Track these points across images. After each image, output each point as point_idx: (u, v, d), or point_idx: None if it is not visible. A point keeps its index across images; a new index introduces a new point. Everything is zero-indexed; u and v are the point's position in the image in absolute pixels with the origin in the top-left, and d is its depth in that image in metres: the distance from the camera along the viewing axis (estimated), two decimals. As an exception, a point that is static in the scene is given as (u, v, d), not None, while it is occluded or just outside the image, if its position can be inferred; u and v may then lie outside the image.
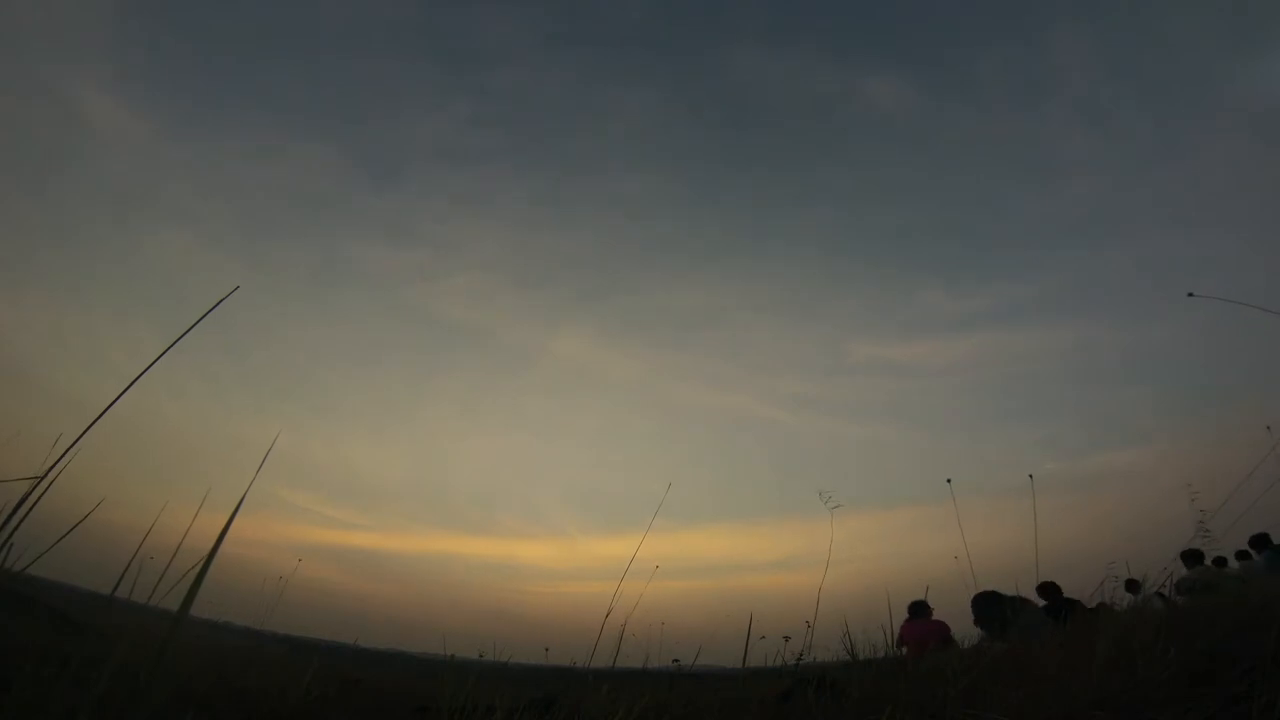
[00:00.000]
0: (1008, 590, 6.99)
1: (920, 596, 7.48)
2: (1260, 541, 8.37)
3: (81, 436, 1.76)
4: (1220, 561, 8.67)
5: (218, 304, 2.01)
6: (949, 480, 7.46)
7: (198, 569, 1.70)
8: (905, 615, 7.56)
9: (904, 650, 6.76)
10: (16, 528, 1.71)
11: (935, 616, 7.64)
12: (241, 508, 1.76)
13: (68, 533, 2.04)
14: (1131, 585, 6.56)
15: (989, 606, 6.82)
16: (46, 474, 1.76)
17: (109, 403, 1.77)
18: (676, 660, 4.50)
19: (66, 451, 1.76)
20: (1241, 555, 8.66)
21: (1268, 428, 8.16)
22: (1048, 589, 7.46)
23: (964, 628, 7.31)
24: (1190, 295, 8.02)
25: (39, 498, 1.73)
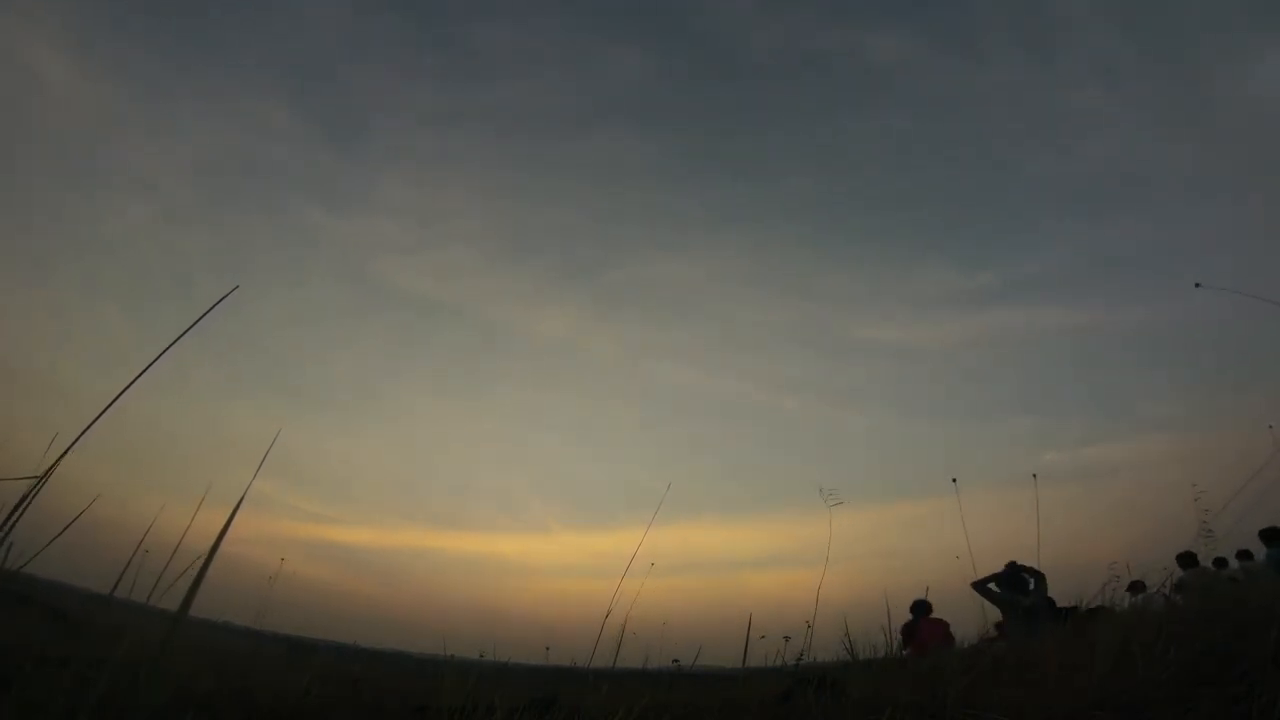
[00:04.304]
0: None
1: (921, 594, 7.52)
2: (1272, 535, 8.29)
3: (81, 435, 1.76)
4: (1220, 563, 8.65)
5: (218, 303, 2.01)
6: (954, 480, 7.47)
7: (197, 569, 1.70)
8: (909, 615, 7.59)
9: (907, 651, 6.78)
10: (12, 526, 1.70)
11: (938, 615, 7.68)
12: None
13: (62, 530, 2.04)
14: (1136, 586, 6.58)
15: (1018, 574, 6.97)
16: (46, 473, 1.76)
17: (105, 401, 1.76)
18: (676, 660, 4.50)
19: (66, 451, 1.76)
20: (1243, 555, 8.65)
21: (1270, 427, 8.15)
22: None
23: (963, 627, 7.34)
24: (1197, 286, 7.98)
25: (36, 496, 1.72)
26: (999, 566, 7.46)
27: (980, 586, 7.26)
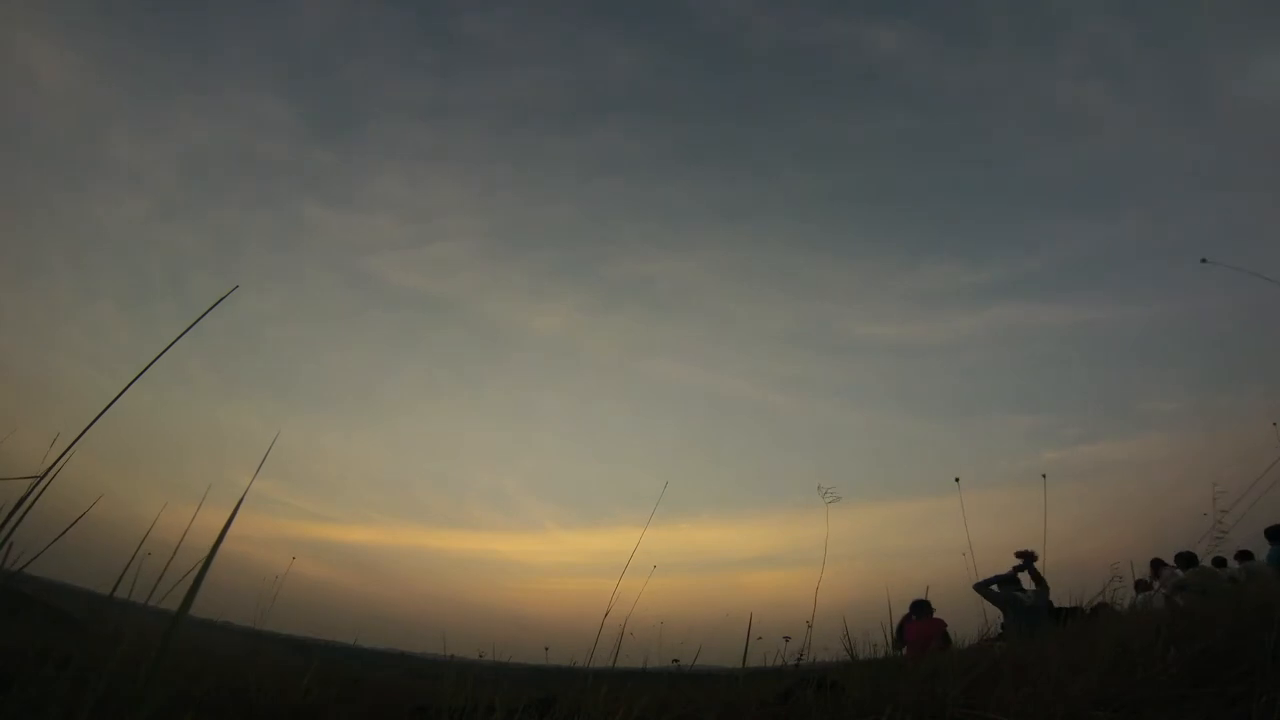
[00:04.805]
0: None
1: (922, 595, 7.51)
2: (1276, 533, 8.24)
3: (82, 435, 1.75)
4: (1219, 562, 8.64)
5: (217, 303, 2.00)
6: (957, 479, 7.48)
7: (197, 569, 1.70)
8: (906, 614, 7.58)
9: (904, 650, 6.78)
10: (15, 527, 1.70)
11: (937, 615, 7.67)
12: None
13: (64, 532, 2.04)
14: (1141, 585, 6.59)
15: (1011, 582, 7.05)
16: (46, 473, 1.76)
17: (104, 400, 1.76)
18: (676, 660, 4.50)
19: (67, 450, 1.75)
20: (1242, 555, 8.64)
21: (1275, 424, 8.12)
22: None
23: (963, 627, 7.34)
24: (1204, 261, 7.91)
25: (37, 497, 1.72)
26: (1001, 566, 7.49)
27: (982, 587, 7.28)
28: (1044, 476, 7.40)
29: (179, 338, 1.89)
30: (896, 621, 6.87)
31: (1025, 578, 7.34)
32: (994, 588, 7.27)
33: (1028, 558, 7.22)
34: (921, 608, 7.58)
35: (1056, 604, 6.97)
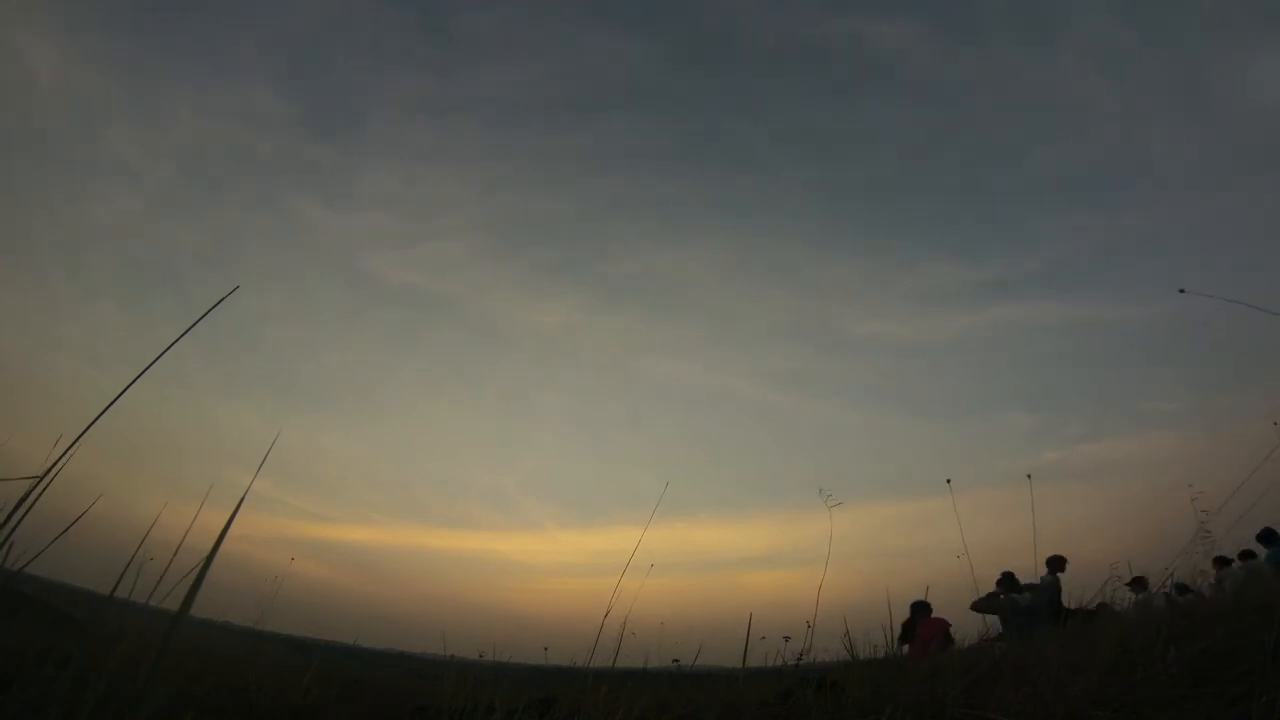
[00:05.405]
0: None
1: (921, 595, 7.54)
2: (1269, 536, 8.29)
3: (83, 435, 1.75)
4: (1223, 562, 8.65)
5: (218, 303, 2.00)
6: (949, 481, 7.49)
7: (197, 569, 1.70)
8: (912, 614, 7.60)
9: (905, 649, 6.79)
10: (15, 527, 1.70)
11: (936, 615, 7.70)
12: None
13: (63, 532, 2.04)
14: (1137, 583, 6.60)
15: (1011, 584, 7.11)
16: (46, 473, 1.76)
17: (105, 399, 1.76)
18: (676, 660, 4.50)
19: (68, 450, 1.75)
20: (1245, 555, 8.64)
21: (1275, 423, 8.12)
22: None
23: (964, 627, 7.35)
24: (1181, 291, 7.98)
25: (38, 497, 1.72)
26: (1001, 567, 7.55)
27: (978, 605, 7.39)
28: (1029, 477, 7.45)
29: (179, 338, 1.89)
30: (898, 623, 6.90)
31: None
32: (986, 597, 7.38)
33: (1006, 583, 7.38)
34: (920, 608, 7.59)
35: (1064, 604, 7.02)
